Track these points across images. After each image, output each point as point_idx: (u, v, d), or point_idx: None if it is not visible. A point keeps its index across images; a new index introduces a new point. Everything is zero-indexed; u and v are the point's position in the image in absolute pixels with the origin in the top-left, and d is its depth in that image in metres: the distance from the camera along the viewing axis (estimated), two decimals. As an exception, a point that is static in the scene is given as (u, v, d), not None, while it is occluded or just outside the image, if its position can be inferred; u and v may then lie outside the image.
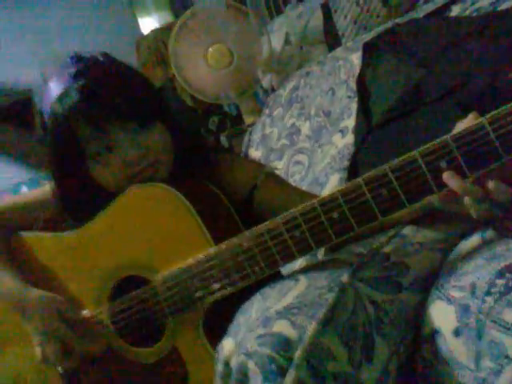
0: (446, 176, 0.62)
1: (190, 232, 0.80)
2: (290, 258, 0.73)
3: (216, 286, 0.77)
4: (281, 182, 0.98)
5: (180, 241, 0.81)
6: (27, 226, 0.99)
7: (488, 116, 0.60)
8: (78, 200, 0.92)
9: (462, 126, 0.63)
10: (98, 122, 0.84)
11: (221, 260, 0.77)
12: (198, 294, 0.79)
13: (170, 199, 0.82)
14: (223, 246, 0.77)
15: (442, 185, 0.63)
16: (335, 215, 0.68)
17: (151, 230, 0.84)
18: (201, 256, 0.78)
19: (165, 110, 0.94)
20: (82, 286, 0.91)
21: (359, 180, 0.66)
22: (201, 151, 0.96)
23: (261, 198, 0.92)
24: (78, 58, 0.88)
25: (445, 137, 0.62)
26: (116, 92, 0.85)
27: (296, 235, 0.71)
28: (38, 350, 0.89)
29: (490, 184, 0.61)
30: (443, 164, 0.62)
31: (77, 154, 0.87)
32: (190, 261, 0.79)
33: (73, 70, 0.86)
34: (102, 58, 0.89)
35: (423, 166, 0.63)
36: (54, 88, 0.88)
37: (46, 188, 0.98)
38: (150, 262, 0.84)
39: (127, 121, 0.86)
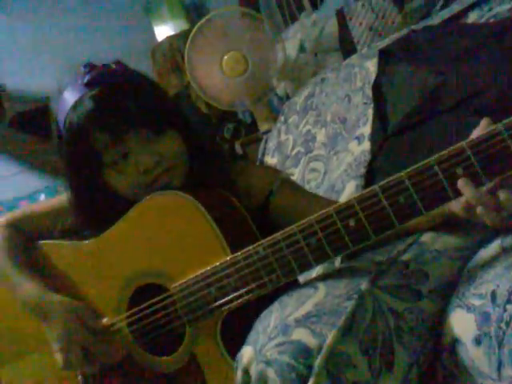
0: (461, 184, 0.62)
1: (207, 240, 0.80)
2: (307, 266, 0.73)
3: (233, 294, 0.77)
4: (296, 188, 0.98)
5: (197, 249, 0.82)
6: (45, 234, 1.00)
7: (505, 122, 0.60)
8: (95, 209, 0.93)
9: (475, 132, 0.63)
10: (113, 130, 0.85)
11: (237, 268, 0.77)
12: (215, 303, 0.79)
13: (188, 207, 0.82)
14: (240, 254, 0.77)
15: (458, 191, 0.63)
16: (352, 223, 0.68)
17: (169, 238, 0.84)
18: (218, 264, 0.78)
19: (179, 117, 0.94)
20: (101, 294, 0.92)
21: (375, 187, 0.67)
22: (216, 159, 0.96)
23: (276, 204, 0.92)
24: (91, 67, 0.89)
25: (461, 143, 0.62)
26: (129, 100, 0.85)
27: (312, 243, 0.71)
28: (59, 357, 0.89)
29: (502, 195, 0.61)
30: (459, 170, 0.62)
31: (92, 163, 0.88)
32: (207, 269, 0.79)
33: (86, 78, 0.87)
34: (114, 66, 0.90)
35: (439, 172, 0.63)
36: (68, 97, 0.88)
37: (62, 197, 0.98)
38: (167, 270, 0.84)
39: (141, 128, 0.86)
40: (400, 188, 0.65)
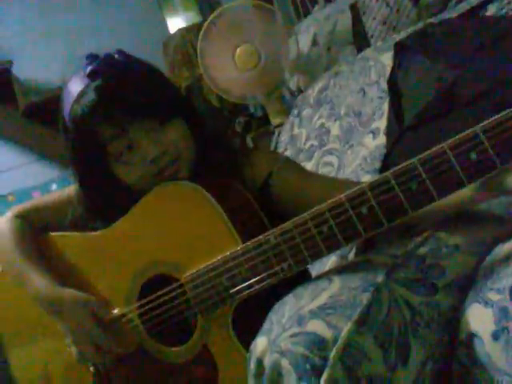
0: None
1: (217, 230, 0.80)
2: (319, 254, 0.72)
3: (244, 283, 0.77)
4: (297, 168, 0.96)
5: (207, 238, 0.81)
6: (55, 225, 1.00)
7: None
8: (103, 200, 0.92)
9: None
10: (117, 121, 0.84)
11: (248, 258, 0.76)
12: (226, 292, 0.79)
13: (196, 197, 0.82)
14: (250, 243, 0.76)
15: (472, 177, 0.62)
16: (364, 210, 0.67)
17: (178, 228, 0.84)
18: (228, 254, 0.78)
19: (184, 106, 0.93)
20: (112, 285, 0.92)
21: (387, 174, 0.66)
22: (222, 146, 0.96)
23: (277, 184, 0.91)
24: (93, 58, 0.88)
25: (474, 128, 0.61)
26: (133, 90, 0.84)
27: (324, 231, 0.70)
28: (73, 349, 0.90)
29: None
30: (473, 156, 0.61)
31: (98, 155, 0.87)
32: (218, 259, 0.79)
33: (88, 69, 0.86)
34: (117, 56, 0.89)
35: (452, 158, 0.62)
36: (72, 88, 0.87)
37: (71, 188, 0.98)
38: (177, 261, 0.84)
39: (146, 118, 0.85)
40: (412, 174, 0.64)
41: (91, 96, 0.84)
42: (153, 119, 0.86)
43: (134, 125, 0.85)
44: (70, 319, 0.89)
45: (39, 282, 0.92)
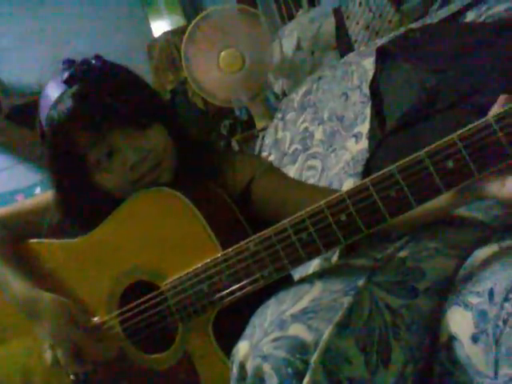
0: None
1: (197, 236, 0.79)
2: (299, 261, 0.72)
3: (225, 291, 0.77)
4: (279, 175, 0.96)
5: (187, 246, 0.81)
6: (33, 231, 0.98)
7: (495, 114, 0.60)
8: (81, 207, 0.91)
9: (493, 110, 0.62)
10: (95, 128, 0.83)
11: (229, 265, 0.76)
12: (207, 300, 0.78)
13: (176, 203, 0.81)
14: (231, 250, 0.76)
15: (449, 184, 0.63)
16: (343, 217, 0.68)
17: (158, 234, 0.84)
18: (209, 261, 0.78)
19: (163, 110, 0.92)
20: (92, 293, 0.91)
21: (366, 181, 0.66)
22: (204, 151, 0.95)
23: (259, 190, 0.90)
24: (70, 63, 0.86)
25: (451, 136, 0.62)
26: (111, 96, 0.83)
27: (304, 238, 0.70)
28: (48, 354, 0.89)
29: None
30: (450, 164, 0.62)
31: (76, 161, 0.85)
32: (198, 266, 0.78)
33: (65, 75, 0.84)
34: (94, 62, 0.87)
35: (430, 166, 0.63)
36: (49, 94, 0.86)
37: (48, 194, 0.96)
38: (158, 268, 0.83)
39: (125, 125, 0.84)
40: (391, 182, 0.65)
41: (68, 103, 0.82)
42: (132, 125, 0.85)
43: (113, 131, 0.84)
44: (49, 323, 0.88)
45: (18, 285, 0.91)
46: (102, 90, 0.84)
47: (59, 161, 0.87)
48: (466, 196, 0.68)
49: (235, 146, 2.86)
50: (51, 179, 0.91)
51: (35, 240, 0.98)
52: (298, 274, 1.02)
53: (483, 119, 0.60)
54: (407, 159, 0.64)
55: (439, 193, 0.64)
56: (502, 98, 0.62)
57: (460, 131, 0.62)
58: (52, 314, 0.88)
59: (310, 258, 0.72)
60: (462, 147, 0.61)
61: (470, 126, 0.61)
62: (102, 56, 0.89)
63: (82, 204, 0.90)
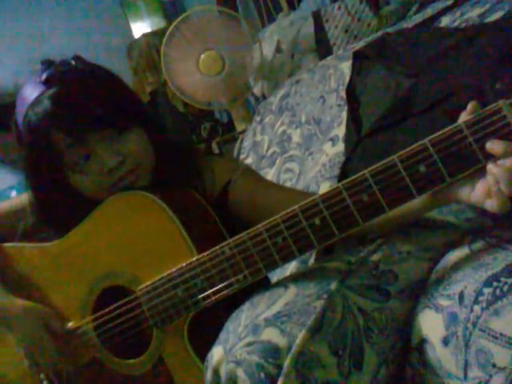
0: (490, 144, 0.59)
1: (173, 241, 0.79)
2: (273, 265, 0.72)
3: (200, 295, 0.76)
4: (256, 178, 0.96)
5: (163, 250, 0.80)
6: (7, 235, 0.97)
7: (466, 120, 0.60)
8: (57, 210, 0.90)
9: (462, 116, 0.63)
10: (73, 130, 0.81)
11: (204, 269, 0.76)
12: (181, 304, 0.78)
13: (151, 207, 0.80)
14: (206, 254, 0.76)
15: (421, 189, 0.63)
16: (317, 221, 0.68)
17: (133, 238, 0.83)
18: (183, 265, 0.77)
19: (143, 114, 0.91)
20: (66, 297, 0.90)
21: (339, 185, 0.67)
22: (182, 154, 0.94)
23: (235, 193, 0.90)
24: (48, 63, 0.85)
25: (423, 141, 0.62)
26: (90, 99, 0.82)
27: (279, 242, 0.71)
28: (25, 362, 0.88)
29: None
30: (422, 168, 0.62)
31: (53, 164, 0.84)
32: (173, 270, 0.78)
33: (44, 76, 0.83)
34: (74, 62, 0.86)
35: (402, 170, 0.63)
36: (26, 95, 0.84)
37: (22, 197, 0.95)
38: (133, 272, 0.82)
39: (104, 128, 0.83)
40: (363, 186, 0.65)
41: (46, 104, 0.81)
42: (111, 128, 0.84)
43: (91, 134, 0.83)
44: (23, 330, 0.87)
45: None
46: (82, 92, 0.82)
47: (36, 163, 0.86)
48: (438, 200, 0.69)
49: (215, 148, 2.86)
50: (27, 181, 0.90)
51: (9, 244, 0.96)
52: (275, 276, 1.03)
53: (454, 124, 0.61)
54: (380, 164, 0.65)
55: (411, 197, 0.64)
56: (471, 104, 0.63)
57: (431, 136, 0.62)
58: (24, 321, 0.86)
59: (284, 262, 0.72)
60: (434, 152, 0.62)
61: (442, 131, 0.62)
62: (81, 57, 0.88)
63: (57, 207, 0.89)
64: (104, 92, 0.85)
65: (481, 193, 0.62)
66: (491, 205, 0.61)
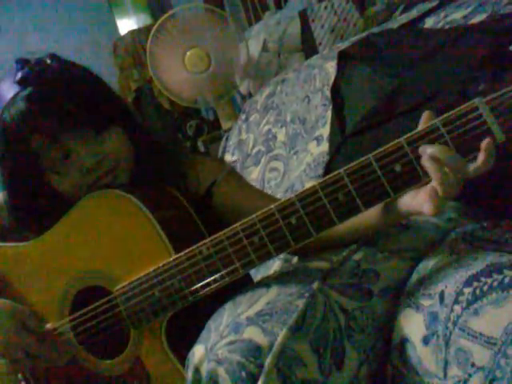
0: (423, 147, 0.60)
1: (149, 240, 0.78)
2: (250, 264, 0.72)
3: (177, 295, 0.75)
4: (241, 181, 0.96)
5: (139, 249, 0.79)
6: None
7: (441, 118, 0.60)
8: (32, 209, 0.88)
9: (420, 126, 0.63)
10: (49, 131, 0.80)
11: (181, 269, 0.75)
12: (158, 305, 0.77)
13: (127, 205, 0.79)
14: (183, 254, 0.75)
15: (397, 188, 0.63)
16: (293, 221, 0.68)
17: (110, 238, 0.82)
18: (160, 265, 0.76)
19: (122, 112, 0.90)
20: (43, 298, 0.89)
21: (315, 184, 0.66)
22: (164, 153, 0.93)
23: (219, 194, 0.90)
24: (24, 63, 0.83)
25: (399, 140, 0.62)
26: (66, 99, 0.80)
27: (255, 241, 0.70)
28: (2, 361, 0.86)
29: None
30: (398, 167, 0.62)
31: (30, 165, 0.83)
32: (150, 271, 0.77)
33: (18, 76, 0.81)
34: (50, 61, 0.84)
35: (378, 169, 0.63)
36: (2, 94, 0.82)
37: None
38: (109, 272, 0.81)
39: (81, 128, 0.81)
40: (339, 185, 0.65)
41: (21, 105, 0.79)
42: (88, 128, 0.82)
43: (69, 134, 0.81)
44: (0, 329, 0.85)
45: None
46: (57, 92, 0.81)
47: (12, 164, 0.84)
48: (390, 215, 0.69)
49: (201, 146, 2.85)
50: (3, 182, 0.88)
51: None
52: (259, 274, 1.03)
53: (430, 123, 0.61)
54: (355, 162, 0.64)
55: (387, 196, 0.64)
56: (425, 114, 0.63)
57: (407, 135, 0.62)
58: (3, 319, 0.85)
59: (261, 261, 0.71)
60: (409, 151, 0.62)
61: (417, 130, 0.62)
62: (57, 55, 0.86)
63: (35, 207, 0.88)
64: (80, 91, 0.83)
65: (422, 198, 0.62)
66: (427, 208, 0.61)
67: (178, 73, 2.39)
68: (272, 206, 0.69)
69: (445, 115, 0.60)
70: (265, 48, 2.34)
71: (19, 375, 0.90)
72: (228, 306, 0.72)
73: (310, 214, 0.67)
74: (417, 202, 0.63)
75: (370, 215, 0.70)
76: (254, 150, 1.61)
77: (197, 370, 0.66)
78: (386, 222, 0.72)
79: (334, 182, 0.65)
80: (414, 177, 0.62)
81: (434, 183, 0.61)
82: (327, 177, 0.66)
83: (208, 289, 0.74)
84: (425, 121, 0.62)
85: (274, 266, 1.13)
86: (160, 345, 0.79)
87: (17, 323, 0.84)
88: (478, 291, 0.59)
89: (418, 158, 0.61)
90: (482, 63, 0.97)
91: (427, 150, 0.60)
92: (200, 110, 2.98)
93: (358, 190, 0.64)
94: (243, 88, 2.49)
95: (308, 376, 0.61)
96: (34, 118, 0.80)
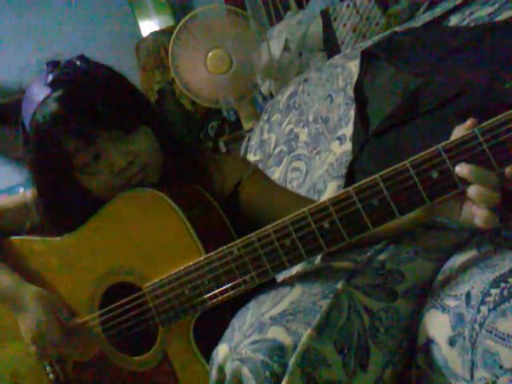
0: (461, 167, 0.59)
1: (180, 238, 0.79)
2: (281, 267, 0.72)
3: (207, 295, 0.76)
4: (266, 180, 0.97)
5: (170, 247, 0.80)
6: (15, 229, 0.97)
7: (480, 126, 0.59)
8: (63, 210, 0.90)
9: (456, 132, 0.62)
10: (81, 133, 0.81)
11: (211, 268, 0.75)
12: (188, 303, 0.78)
13: (160, 204, 0.80)
14: (214, 254, 0.75)
15: (433, 195, 0.62)
16: (326, 225, 0.67)
17: (141, 235, 0.83)
18: (191, 264, 0.77)
19: (150, 113, 0.91)
20: (73, 292, 0.90)
21: (349, 189, 0.66)
22: (190, 152, 0.95)
23: (246, 193, 0.90)
24: (54, 65, 0.85)
25: (436, 146, 0.61)
26: (97, 100, 0.81)
27: (287, 244, 0.70)
28: (33, 348, 0.88)
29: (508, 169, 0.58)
30: (435, 174, 0.61)
31: (62, 166, 0.84)
32: (180, 269, 0.78)
33: (49, 78, 0.83)
34: (79, 63, 0.86)
35: (414, 176, 0.62)
36: (33, 97, 0.84)
37: (27, 194, 0.95)
38: (140, 269, 0.83)
39: (111, 128, 0.83)
40: (374, 190, 0.64)
41: (53, 107, 0.81)
42: (119, 129, 0.84)
43: (100, 135, 0.83)
44: (32, 315, 0.87)
45: (3, 278, 0.90)
46: (88, 93, 0.82)
47: (43, 165, 0.86)
48: (428, 215, 0.69)
49: (222, 146, 2.86)
50: (34, 182, 0.90)
51: (17, 237, 0.97)
52: (282, 275, 1.03)
53: (469, 131, 0.60)
54: (391, 168, 0.64)
55: (423, 203, 0.63)
56: (469, 122, 0.62)
57: (444, 143, 0.61)
58: (35, 306, 0.87)
59: (292, 264, 0.71)
60: (447, 158, 0.61)
61: (454, 138, 0.61)
62: (86, 56, 0.88)
63: (65, 207, 0.89)
64: (109, 92, 0.84)
65: (467, 213, 0.62)
66: (478, 223, 0.61)
67: (200, 74, 2.40)
68: (305, 209, 0.68)
69: (484, 123, 0.59)
70: (286, 48, 2.34)
71: (47, 368, 0.92)
72: (251, 305, 0.72)
73: (343, 218, 0.66)
74: (464, 217, 0.63)
75: (405, 218, 0.68)
76: (276, 150, 1.60)
77: (221, 369, 0.66)
78: (420, 224, 0.71)
79: (368, 187, 0.64)
80: (451, 184, 0.61)
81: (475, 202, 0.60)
82: (361, 182, 0.65)
83: (237, 290, 0.74)
84: (466, 127, 0.61)
85: (297, 265, 1.13)
86: (188, 343, 0.80)
87: (49, 313, 0.86)
88: (505, 292, 0.58)
89: (456, 165, 0.60)
90: (508, 61, 0.96)
91: (458, 172, 0.60)
92: (221, 110, 2.99)
93: (394, 196, 0.63)
94: (264, 88, 2.49)
95: (332, 376, 0.61)
96: (65, 119, 0.81)
